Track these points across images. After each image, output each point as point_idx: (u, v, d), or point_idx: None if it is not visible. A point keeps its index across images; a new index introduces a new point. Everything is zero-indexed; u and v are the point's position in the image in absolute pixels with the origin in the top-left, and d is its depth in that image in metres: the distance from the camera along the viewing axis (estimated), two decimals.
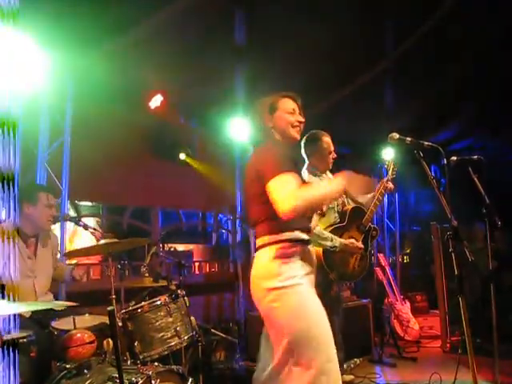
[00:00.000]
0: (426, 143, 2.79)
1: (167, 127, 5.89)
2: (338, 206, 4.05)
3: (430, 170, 2.75)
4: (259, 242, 2.45)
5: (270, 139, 2.58)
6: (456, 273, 2.59)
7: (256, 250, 2.47)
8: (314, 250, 2.60)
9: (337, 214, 4.01)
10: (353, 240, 3.89)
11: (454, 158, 3.30)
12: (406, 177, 5.21)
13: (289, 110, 2.61)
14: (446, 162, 2.80)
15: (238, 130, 6.10)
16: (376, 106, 6.61)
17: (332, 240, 3.79)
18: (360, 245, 3.90)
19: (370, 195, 4.09)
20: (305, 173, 3.86)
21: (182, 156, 6.12)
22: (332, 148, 3.99)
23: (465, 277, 2.63)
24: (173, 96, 5.53)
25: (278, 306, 2.28)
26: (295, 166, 2.45)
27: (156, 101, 5.42)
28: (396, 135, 2.87)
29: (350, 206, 4.09)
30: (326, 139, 3.97)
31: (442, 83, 6.13)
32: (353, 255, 3.92)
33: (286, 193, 2.23)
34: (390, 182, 4.12)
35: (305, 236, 2.45)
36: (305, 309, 2.30)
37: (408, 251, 9.31)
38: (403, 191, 8.75)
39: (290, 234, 2.38)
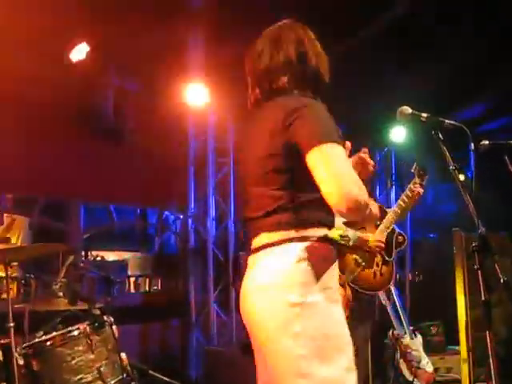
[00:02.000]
0: (448, 121, 2.80)
1: (94, 89, 5.82)
2: None
3: (453, 158, 2.76)
4: (272, 237, 2.31)
5: (294, 87, 2.45)
6: (483, 297, 2.61)
7: (260, 248, 2.36)
8: None
9: None
10: (371, 235, 4.13)
11: (485, 141, 3.34)
12: (415, 162, 5.26)
13: (319, 47, 2.57)
14: (473, 147, 2.82)
15: (195, 94, 6.11)
16: (382, 71, 6.65)
17: (343, 229, 3.95)
18: (382, 241, 4.11)
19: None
20: None
21: (118, 130, 6.07)
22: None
23: (495, 303, 2.66)
24: (104, 46, 5.49)
25: (299, 332, 2.20)
26: (337, 130, 2.40)
27: (80, 52, 5.36)
28: (408, 109, 2.88)
29: None
30: None
31: (469, 44, 6.22)
32: (372, 258, 4.15)
33: (344, 173, 2.15)
34: (418, 185, 4.33)
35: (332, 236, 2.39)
36: (337, 342, 2.25)
37: (421, 267, 9.44)
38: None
39: (319, 231, 2.32)
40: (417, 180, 4.38)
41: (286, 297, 2.21)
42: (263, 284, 2.29)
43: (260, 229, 2.36)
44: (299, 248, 2.25)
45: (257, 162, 2.37)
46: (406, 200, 4.29)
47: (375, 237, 4.18)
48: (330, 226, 2.38)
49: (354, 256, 4.09)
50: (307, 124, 2.22)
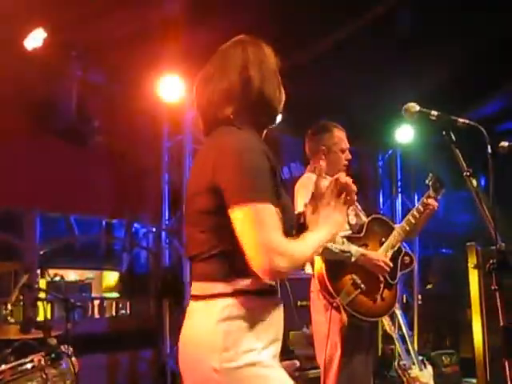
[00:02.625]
0: (462, 120, 2.81)
1: (52, 81, 5.81)
2: (348, 215, 4.30)
3: (467, 163, 2.77)
4: (200, 288, 2.39)
5: (240, 117, 2.52)
6: (502, 322, 2.62)
7: (192, 298, 2.42)
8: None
9: (347, 226, 4.29)
10: (376, 254, 4.20)
11: (505, 143, 3.35)
12: (431, 172, 5.28)
13: (276, 75, 2.56)
14: (491, 149, 2.82)
15: (169, 87, 6.13)
16: (385, 63, 6.69)
17: (343, 243, 4.06)
18: (387, 262, 4.17)
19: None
20: (310, 177, 4.13)
21: (82, 130, 6.05)
22: (346, 145, 4.38)
23: None
24: (64, 33, 5.49)
25: None
26: (274, 179, 2.41)
27: (36, 39, 5.35)
28: (415, 106, 2.89)
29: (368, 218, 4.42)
30: (339, 133, 4.39)
31: (486, 35, 6.28)
32: (373, 281, 4.17)
33: (268, 243, 2.18)
34: (432, 199, 4.40)
35: (272, 282, 2.41)
36: None
37: (432, 286, 9.48)
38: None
39: (243, 282, 2.32)
40: (431, 193, 4.42)
41: (208, 362, 2.26)
42: (189, 345, 2.38)
43: (192, 275, 2.46)
44: (222, 305, 2.29)
45: (188, 200, 2.45)
46: (417, 215, 4.35)
47: (378, 256, 4.20)
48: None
49: (353, 276, 4.09)
50: (234, 174, 2.25)
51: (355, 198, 2.58)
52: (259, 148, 2.34)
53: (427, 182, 4.50)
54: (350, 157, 4.37)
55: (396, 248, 4.33)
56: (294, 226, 2.49)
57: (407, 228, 4.34)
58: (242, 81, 2.46)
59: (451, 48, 6.49)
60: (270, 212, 2.23)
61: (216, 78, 2.50)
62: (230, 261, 2.29)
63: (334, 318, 4.04)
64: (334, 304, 4.00)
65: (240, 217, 2.21)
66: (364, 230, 4.30)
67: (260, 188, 2.25)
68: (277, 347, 2.43)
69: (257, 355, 2.29)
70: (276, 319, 2.44)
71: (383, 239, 4.33)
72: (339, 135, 4.37)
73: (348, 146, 4.38)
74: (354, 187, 2.54)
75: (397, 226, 4.42)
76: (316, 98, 5.39)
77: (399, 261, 4.38)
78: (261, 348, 2.32)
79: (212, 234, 2.32)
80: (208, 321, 2.29)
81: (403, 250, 4.42)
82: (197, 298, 2.38)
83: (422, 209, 4.36)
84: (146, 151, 6.80)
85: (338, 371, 4.09)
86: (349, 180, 2.49)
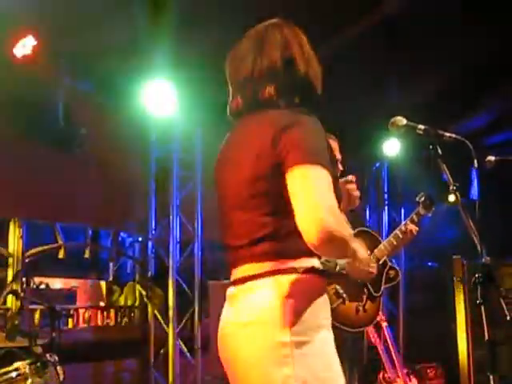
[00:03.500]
0: (448, 134, 2.83)
1: (42, 90, 5.80)
2: None
3: (453, 176, 2.79)
4: (256, 268, 2.32)
5: (284, 98, 2.43)
6: (487, 336, 2.63)
7: (243, 280, 2.37)
8: None
9: None
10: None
11: (491, 157, 3.37)
12: (417, 186, 5.31)
13: (316, 57, 2.57)
14: (476, 164, 2.84)
15: (158, 96, 6.12)
16: (373, 77, 6.72)
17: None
18: (374, 265, 4.13)
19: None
20: None
21: (68, 137, 6.03)
22: (338, 156, 4.30)
23: (501, 341, 2.69)
24: (53, 40, 5.48)
25: (290, 375, 2.21)
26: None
27: (25, 46, 5.34)
28: (402, 120, 2.90)
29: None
30: (331, 143, 4.26)
31: (473, 48, 6.31)
32: (358, 291, 4.18)
33: (323, 199, 2.17)
34: (411, 224, 4.41)
35: (321, 267, 2.42)
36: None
37: (415, 302, 9.48)
38: (412, 208, 8.87)
39: (309, 261, 2.33)
40: (421, 211, 4.43)
41: (274, 337, 2.23)
42: (248, 322, 2.31)
43: (243, 258, 2.37)
44: (287, 281, 2.27)
45: (241, 184, 2.37)
46: (401, 236, 4.35)
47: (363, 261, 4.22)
48: (317, 255, 2.40)
49: (335, 286, 4.09)
50: (295, 142, 2.23)
51: (356, 202, 2.62)
52: (314, 121, 2.34)
53: (417, 199, 4.49)
54: (341, 168, 4.33)
55: (381, 261, 4.32)
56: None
57: (394, 243, 4.34)
58: (285, 60, 2.43)
59: (438, 62, 6.53)
60: (324, 174, 2.20)
61: (254, 56, 2.46)
62: (297, 241, 2.23)
63: None
64: None
65: (296, 177, 2.19)
66: None
67: (316, 153, 2.23)
68: (332, 333, 2.42)
69: (326, 332, 2.32)
70: (327, 298, 2.43)
71: (368, 252, 4.31)
72: (332, 145, 4.29)
73: (340, 157, 4.34)
74: (357, 192, 2.55)
75: (384, 240, 4.41)
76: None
77: (384, 274, 4.37)
78: (328, 325, 2.35)
79: (276, 216, 2.30)
80: (273, 296, 2.26)
81: (388, 263, 4.42)
82: (257, 276, 2.33)
83: (404, 229, 4.36)
84: (133, 160, 6.78)
85: None
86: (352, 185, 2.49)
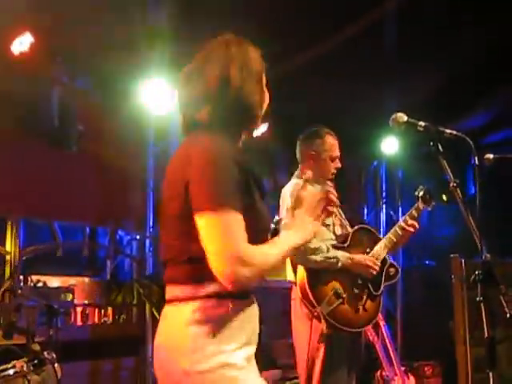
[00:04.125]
0: (449, 131, 2.82)
1: (39, 87, 5.78)
2: (334, 225, 4.37)
3: (454, 173, 2.78)
4: (171, 292, 2.38)
5: (216, 119, 2.41)
6: (486, 334, 2.62)
7: (166, 302, 2.42)
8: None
9: (333, 236, 4.32)
10: (363, 256, 4.22)
11: (490, 155, 3.37)
12: (416, 183, 5.30)
13: (260, 78, 2.49)
14: (477, 161, 2.83)
15: (155, 96, 6.12)
16: (371, 75, 6.71)
17: (329, 250, 4.07)
18: (375, 261, 4.21)
19: None
20: (298, 184, 4.13)
21: (65, 135, 6.02)
22: (336, 153, 4.37)
23: (500, 340, 2.68)
24: (51, 38, 5.48)
25: None
26: (247, 185, 2.32)
27: (22, 43, 5.33)
28: (403, 117, 2.90)
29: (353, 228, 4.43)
30: (330, 140, 4.38)
31: (472, 46, 6.31)
32: (357, 290, 4.20)
33: (231, 253, 2.17)
34: (410, 220, 4.41)
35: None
36: None
37: (413, 301, 9.48)
38: (410, 206, 8.87)
39: (215, 286, 2.28)
40: (420, 205, 4.43)
41: (180, 364, 2.27)
42: (161, 346, 2.39)
43: (165, 278, 2.43)
44: (192, 308, 2.29)
45: (164, 203, 2.42)
46: (400, 233, 4.36)
47: (365, 257, 4.22)
48: None
49: (335, 285, 4.08)
50: (203, 181, 2.24)
51: (334, 210, 2.59)
52: (230, 155, 2.30)
53: (416, 193, 4.49)
54: (339, 165, 4.37)
55: (381, 259, 4.33)
56: (268, 230, 2.47)
57: (394, 239, 4.34)
58: (221, 80, 2.39)
59: (437, 60, 6.53)
60: (234, 220, 2.21)
61: (195, 78, 2.45)
62: (200, 265, 2.24)
63: (316, 327, 4.03)
64: (315, 313, 3.99)
65: (204, 224, 2.21)
66: (349, 241, 4.30)
67: (225, 196, 2.23)
68: (250, 350, 2.40)
69: (227, 357, 2.28)
70: (249, 322, 2.41)
71: (368, 249, 4.33)
72: (331, 142, 4.36)
73: (339, 154, 4.37)
74: (337, 202, 2.55)
75: (383, 237, 4.42)
76: (301, 109, 5.39)
77: (384, 272, 4.37)
78: (231, 350, 2.30)
79: (183, 239, 2.31)
80: (178, 324, 2.30)
81: (388, 261, 4.42)
82: (169, 302, 2.38)
83: (404, 226, 4.37)
84: (131, 158, 6.77)
85: (319, 381, 4.07)
86: (334, 197, 2.50)
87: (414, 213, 4.41)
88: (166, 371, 2.36)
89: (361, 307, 4.20)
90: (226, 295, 2.30)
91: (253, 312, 2.46)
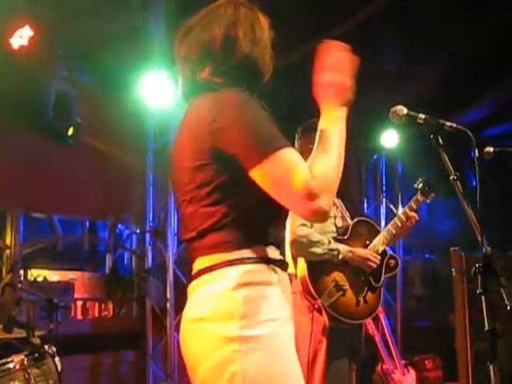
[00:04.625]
0: (449, 124, 2.82)
1: (39, 80, 5.78)
2: (336, 217, 4.37)
3: (454, 166, 2.77)
4: (206, 261, 2.22)
5: (228, 83, 2.28)
6: (486, 326, 2.62)
7: (196, 275, 2.28)
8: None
9: (334, 228, 4.34)
10: (364, 250, 4.24)
11: (490, 148, 3.36)
12: (416, 176, 5.30)
13: (267, 44, 2.40)
14: (477, 153, 2.83)
15: (155, 90, 6.10)
16: (371, 65, 6.70)
17: (330, 243, 4.08)
18: (375, 255, 4.24)
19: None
20: None
21: (62, 128, 6.01)
22: None
23: (500, 333, 2.67)
24: (50, 31, 5.47)
25: (237, 372, 2.10)
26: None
27: (22, 37, 5.32)
28: (403, 109, 2.89)
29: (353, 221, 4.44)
30: None
31: (473, 38, 6.30)
32: (358, 282, 4.22)
33: (304, 189, 2.04)
34: (410, 212, 4.42)
35: (279, 256, 2.29)
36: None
37: (413, 294, 9.49)
38: (410, 199, 8.86)
39: (261, 250, 2.22)
40: (419, 197, 4.44)
41: (222, 331, 2.14)
42: (197, 317, 2.22)
43: (194, 252, 2.29)
44: (236, 272, 2.17)
45: (185, 174, 2.28)
46: (400, 225, 4.37)
47: (366, 251, 4.24)
48: (275, 243, 2.31)
49: (336, 278, 4.09)
50: (241, 131, 2.12)
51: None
52: (254, 102, 2.22)
53: (416, 185, 4.50)
54: None
55: (381, 251, 4.34)
56: None
57: (393, 231, 4.35)
58: (227, 38, 2.29)
59: (437, 53, 6.52)
60: (290, 154, 2.12)
61: (197, 29, 2.34)
62: (246, 228, 2.19)
63: (317, 319, 4.04)
64: (316, 306, 4.00)
65: (265, 174, 2.10)
66: (349, 233, 4.31)
67: (271, 136, 2.13)
68: (292, 324, 2.32)
69: (280, 327, 2.20)
70: (289, 293, 2.34)
71: (367, 242, 4.35)
72: None
73: None
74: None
75: (383, 230, 4.43)
76: (300, 101, 5.39)
77: (384, 264, 4.39)
78: (284, 320, 2.23)
79: (222, 205, 2.19)
80: (225, 287, 2.16)
81: (388, 253, 4.44)
82: (207, 270, 2.23)
83: (403, 218, 4.37)
84: (131, 151, 6.77)
85: (322, 374, 4.08)
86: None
87: (413, 205, 4.42)
88: (197, 343, 2.22)
89: (361, 299, 4.23)
90: (272, 261, 2.23)
91: (290, 287, 2.37)
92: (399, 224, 4.36)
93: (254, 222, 2.16)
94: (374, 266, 4.22)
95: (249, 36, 2.31)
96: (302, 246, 3.95)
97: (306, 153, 4.41)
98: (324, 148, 2.24)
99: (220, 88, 2.25)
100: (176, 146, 2.38)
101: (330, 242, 4.09)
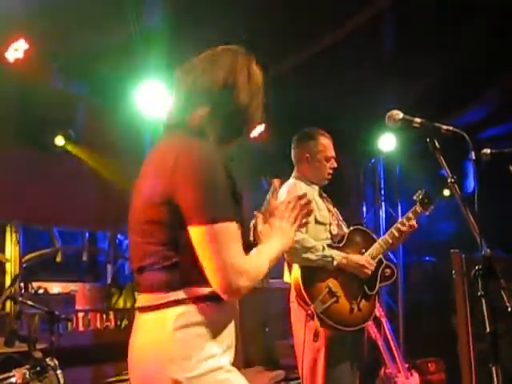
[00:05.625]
0: (445, 127, 2.82)
1: (35, 93, 5.78)
2: (331, 225, 4.35)
3: (451, 169, 2.77)
4: (152, 299, 2.27)
5: (212, 123, 2.35)
6: (488, 328, 2.62)
7: (141, 310, 2.34)
8: None
9: (329, 235, 4.31)
10: (358, 256, 4.20)
11: (487, 150, 3.36)
12: (414, 180, 5.31)
13: (261, 92, 2.46)
14: (474, 156, 2.83)
15: (150, 100, 6.10)
16: (368, 72, 6.71)
17: (324, 249, 4.05)
18: (370, 262, 4.19)
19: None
20: (296, 185, 4.22)
21: (60, 140, 6.01)
22: (331, 153, 4.37)
23: (501, 334, 2.67)
24: (45, 44, 5.48)
25: None
26: (235, 198, 2.28)
27: (17, 50, 5.33)
28: (398, 114, 2.89)
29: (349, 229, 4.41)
30: (324, 141, 4.38)
31: (469, 40, 6.32)
32: (352, 289, 4.16)
33: (229, 265, 2.15)
34: (407, 222, 4.39)
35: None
36: None
37: (414, 297, 9.47)
38: (409, 202, 8.84)
39: (197, 290, 2.25)
40: (418, 209, 4.42)
41: (167, 374, 2.18)
42: (143, 357, 2.27)
43: (139, 285, 2.34)
44: (174, 314, 2.22)
45: (138, 208, 2.33)
46: (397, 235, 4.34)
47: (360, 257, 4.21)
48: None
49: (329, 284, 4.08)
50: (194, 191, 2.17)
51: (307, 220, 2.57)
52: (220, 163, 2.24)
53: (415, 197, 4.48)
54: (335, 165, 4.38)
55: (377, 259, 4.31)
56: (248, 238, 2.46)
57: (390, 241, 4.33)
58: (227, 85, 2.35)
59: (434, 57, 6.52)
60: (231, 231, 2.19)
61: (199, 72, 2.39)
62: (185, 271, 2.22)
63: (310, 326, 4.02)
64: (309, 311, 3.98)
65: (200, 239, 2.17)
66: (344, 241, 4.29)
67: (221, 206, 2.19)
68: (232, 353, 2.37)
69: (218, 361, 2.24)
70: (232, 325, 2.39)
71: (363, 250, 4.31)
72: (324, 143, 4.36)
73: (334, 154, 4.38)
74: (312, 209, 2.53)
75: (379, 238, 4.41)
76: (298, 107, 5.42)
77: (379, 272, 4.36)
78: (220, 354, 2.26)
79: (169, 247, 2.23)
80: (163, 330, 2.21)
81: (384, 262, 4.41)
82: (147, 309, 2.29)
83: (401, 228, 4.35)
84: (128, 161, 6.76)
85: (323, 381, 4.07)
86: (309, 201, 2.48)
87: (411, 215, 4.40)
88: (148, 380, 2.26)
89: (355, 307, 4.18)
90: (213, 298, 2.26)
91: (235, 314, 2.42)
92: (396, 234, 4.34)
93: (193, 266, 2.19)
94: (369, 272, 4.19)
95: (245, 85, 2.38)
96: (295, 252, 3.93)
97: (301, 161, 4.45)
98: (261, 252, 2.36)
99: (198, 135, 2.31)
100: (140, 176, 2.40)
101: (324, 249, 4.08)
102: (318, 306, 3.98)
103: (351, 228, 4.40)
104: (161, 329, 2.22)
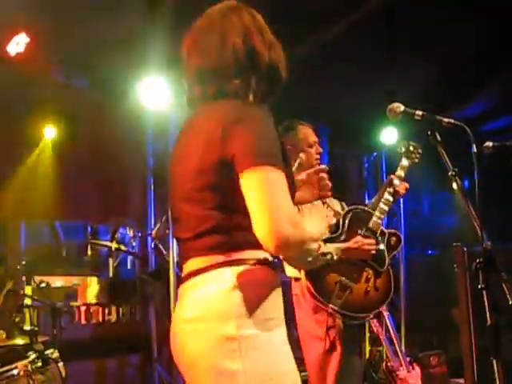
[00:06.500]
0: (447, 120, 2.82)
1: (36, 87, 5.78)
2: (327, 217, 4.37)
3: (452, 163, 2.77)
4: (201, 262, 2.25)
5: (247, 89, 2.35)
6: (489, 321, 2.62)
7: (190, 275, 2.29)
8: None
9: (325, 224, 4.31)
10: (354, 240, 4.08)
11: (489, 143, 3.36)
12: (416, 173, 5.29)
13: (278, 45, 2.47)
14: (476, 149, 2.83)
15: (154, 91, 6.10)
16: (369, 64, 6.70)
17: (320, 248, 4.01)
18: (370, 241, 4.07)
19: (373, 199, 4.48)
20: None
21: (54, 133, 6.02)
22: (313, 139, 4.38)
23: (503, 327, 2.67)
24: (47, 38, 5.47)
25: (237, 370, 2.11)
26: (283, 154, 2.27)
27: (18, 44, 5.33)
28: (400, 106, 2.90)
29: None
30: (303, 129, 4.41)
31: (471, 32, 6.30)
32: (361, 273, 4.13)
33: (281, 209, 2.09)
34: (397, 180, 4.34)
35: (272, 258, 2.32)
36: (281, 381, 2.17)
37: (416, 290, 9.48)
38: (412, 196, 8.89)
39: (255, 253, 2.24)
40: (405, 162, 4.37)
41: (220, 330, 2.15)
42: (193, 317, 2.23)
43: (189, 253, 2.31)
44: (233, 273, 2.20)
45: (187, 177, 2.31)
46: (391, 199, 4.28)
47: (355, 240, 4.09)
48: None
49: (337, 277, 4.04)
50: (246, 139, 2.15)
51: (328, 193, 2.58)
52: (267, 118, 2.26)
53: (398, 150, 4.45)
54: (320, 150, 4.36)
55: (378, 233, 4.24)
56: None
57: (386, 209, 4.26)
58: (248, 51, 2.35)
59: (436, 49, 6.51)
60: (278, 176, 2.13)
61: (217, 46, 2.37)
62: (241, 235, 2.21)
63: (320, 320, 4.02)
64: (329, 311, 3.96)
65: (250, 181, 2.12)
66: (340, 227, 4.23)
67: (269, 153, 2.16)
68: (285, 328, 2.32)
69: (276, 326, 2.23)
70: (280, 293, 2.35)
71: (359, 231, 4.21)
72: (304, 131, 4.37)
73: (316, 139, 4.37)
74: (328, 184, 2.56)
75: (375, 212, 4.30)
76: (300, 100, 5.43)
77: (385, 244, 4.29)
78: (279, 319, 2.26)
79: (222, 210, 2.22)
80: (221, 288, 2.19)
81: (386, 232, 4.33)
82: (202, 270, 2.25)
83: (393, 191, 4.29)
84: (130, 156, 6.77)
85: (335, 373, 4.06)
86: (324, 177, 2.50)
87: (401, 173, 4.33)
88: (193, 343, 2.22)
89: (371, 289, 4.15)
90: (266, 262, 2.27)
91: (281, 291, 2.38)
92: (390, 199, 4.25)
93: (250, 229, 2.14)
94: (373, 250, 4.08)
95: (263, 42, 2.39)
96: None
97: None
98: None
99: (238, 99, 2.31)
100: (180, 146, 2.41)
101: (320, 247, 4.04)
102: (336, 303, 3.96)
103: (343, 213, 4.34)
104: (219, 285, 2.19)
